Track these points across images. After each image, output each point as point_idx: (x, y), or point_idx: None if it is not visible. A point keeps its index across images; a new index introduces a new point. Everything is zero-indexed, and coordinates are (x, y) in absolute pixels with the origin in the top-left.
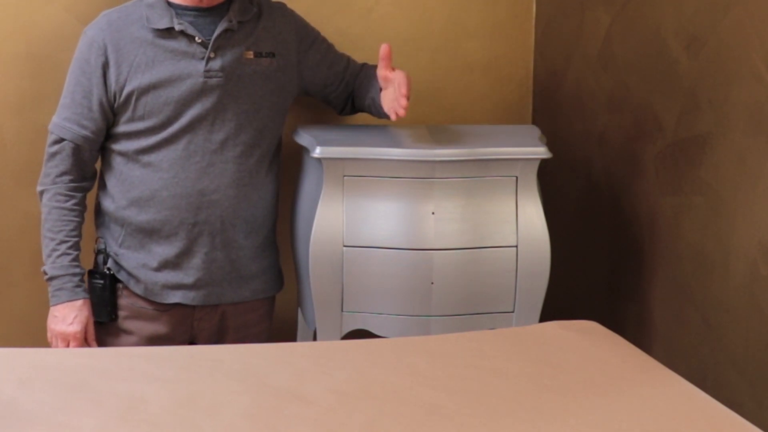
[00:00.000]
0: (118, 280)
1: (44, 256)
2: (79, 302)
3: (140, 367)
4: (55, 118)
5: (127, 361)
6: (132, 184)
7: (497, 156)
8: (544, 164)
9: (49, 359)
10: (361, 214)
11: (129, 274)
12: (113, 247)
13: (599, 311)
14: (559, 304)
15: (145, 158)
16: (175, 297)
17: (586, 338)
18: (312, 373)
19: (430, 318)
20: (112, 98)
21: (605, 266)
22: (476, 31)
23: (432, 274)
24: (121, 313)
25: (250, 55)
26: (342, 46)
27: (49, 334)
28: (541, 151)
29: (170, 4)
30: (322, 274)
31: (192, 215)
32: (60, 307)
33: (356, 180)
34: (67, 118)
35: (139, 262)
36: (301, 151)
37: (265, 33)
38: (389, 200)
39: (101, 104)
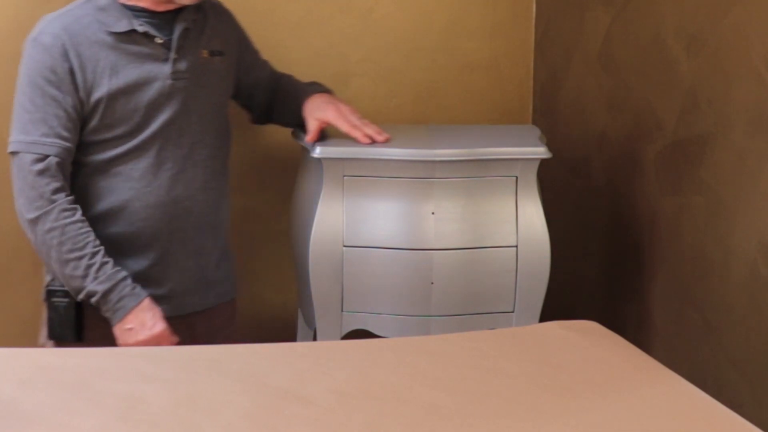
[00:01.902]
0: None
1: (78, 280)
2: (146, 301)
3: (140, 367)
4: (24, 137)
5: (127, 361)
6: (97, 197)
7: (497, 156)
8: (544, 164)
9: (49, 359)
10: (361, 214)
11: None
12: None
13: (599, 311)
14: (559, 304)
15: (114, 168)
16: None
17: (586, 338)
18: (312, 373)
19: (430, 318)
20: (80, 106)
21: (605, 266)
22: (476, 31)
23: (432, 274)
24: (88, 332)
25: (206, 54)
26: (342, 46)
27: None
28: (541, 151)
29: (126, 7)
30: (322, 274)
31: (166, 225)
32: (130, 317)
33: (356, 180)
34: (45, 133)
35: None
36: (301, 151)
37: (213, 31)
38: (389, 200)
39: (76, 112)
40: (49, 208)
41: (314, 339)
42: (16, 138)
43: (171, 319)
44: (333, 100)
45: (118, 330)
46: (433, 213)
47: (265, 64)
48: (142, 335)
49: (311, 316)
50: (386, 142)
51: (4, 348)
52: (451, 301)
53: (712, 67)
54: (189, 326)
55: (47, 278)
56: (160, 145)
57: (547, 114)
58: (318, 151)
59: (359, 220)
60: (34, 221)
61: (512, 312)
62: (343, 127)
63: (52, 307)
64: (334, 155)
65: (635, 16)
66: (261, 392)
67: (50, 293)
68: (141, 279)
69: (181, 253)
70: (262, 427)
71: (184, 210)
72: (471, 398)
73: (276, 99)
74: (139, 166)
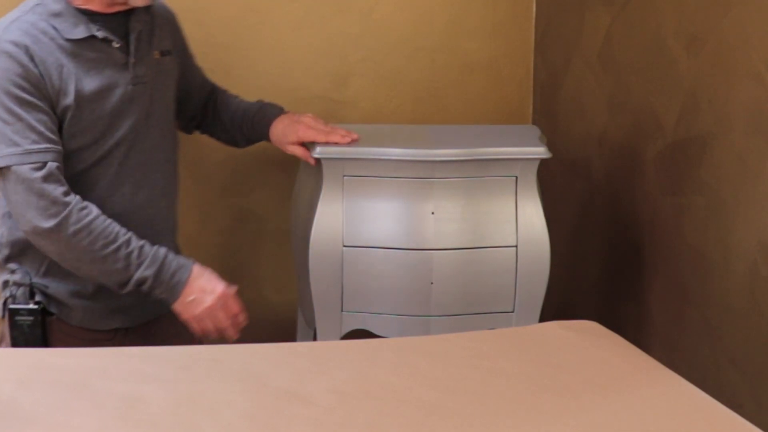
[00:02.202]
0: (48, 314)
1: (121, 273)
2: (196, 266)
3: (140, 367)
4: (14, 149)
5: (127, 361)
6: None
7: (497, 156)
8: (544, 164)
9: (49, 359)
10: (360, 214)
11: (60, 304)
12: (34, 278)
13: (599, 311)
14: (559, 304)
15: (78, 179)
16: (115, 322)
17: (586, 338)
18: (312, 373)
19: (430, 318)
20: (56, 110)
21: (605, 266)
22: (476, 31)
23: (432, 274)
24: (53, 347)
25: (158, 55)
26: (342, 46)
27: (199, 326)
28: (541, 151)
29: (81, 11)
30: (322, 274)
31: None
32: (188, 289)
33: (356, 180)
34: (36, 140)
35: (71, 290)
36: None
37: (162, 31)
38: (389, 200)
39: (56, 114)
40: (67, 211)
41: (314, 339)
42: (2, 153)
43: (127, 330)
44: (293, 118)
45: (179, 306)
46: (432, 213)
47: (199, 69)
48: (208, 301)
49: (311, 316)
50: (357, 141)
51: (4, 348)
52: (451, 301)
53: (712, 67)
54: (144, 335)
55: (5, 294)
56: (123, 153)
57: (547, 114)
58: (318, 151)
59: (359, 220)
60: (55, 229)
61: (512, 312)
62: (318, 138)
63: (15, 326)
64: (334, 155)
65: (635, 16)
66: (261, 392)
67: (13, 312)
68: (105, 290)
69: None
70: (262, 427)
71: (148, 217)
72: (471, 398)
73: (214, 112)
74: (104, 176)
